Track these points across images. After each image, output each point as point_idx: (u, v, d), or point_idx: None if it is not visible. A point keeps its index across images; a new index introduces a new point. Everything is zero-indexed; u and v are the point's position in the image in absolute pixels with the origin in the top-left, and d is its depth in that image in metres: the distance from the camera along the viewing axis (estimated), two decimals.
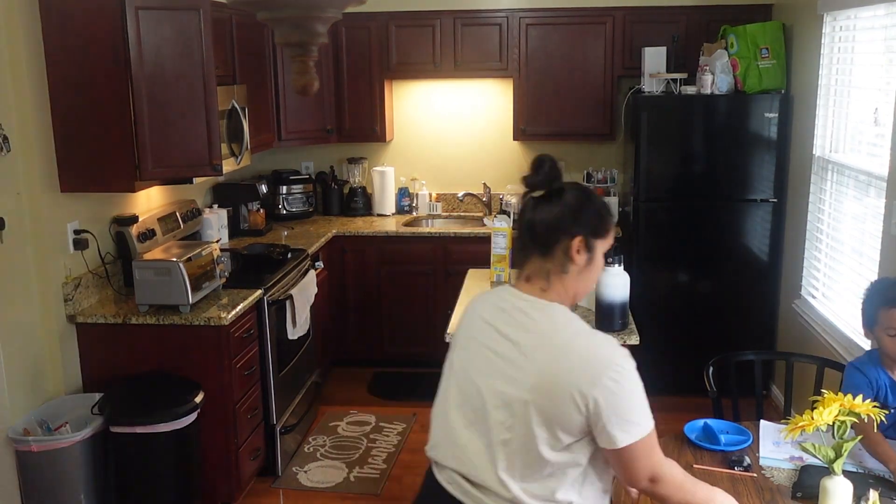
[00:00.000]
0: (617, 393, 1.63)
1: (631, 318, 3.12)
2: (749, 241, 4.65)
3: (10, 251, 3.10)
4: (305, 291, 4.19)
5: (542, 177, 1.77)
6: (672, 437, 2.54)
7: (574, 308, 1.80)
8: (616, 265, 2.99)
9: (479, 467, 1.72)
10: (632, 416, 1.65)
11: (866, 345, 3.39)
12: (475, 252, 4.73)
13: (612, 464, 1.71)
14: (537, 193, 1.77)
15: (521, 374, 1.67)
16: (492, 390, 1.71)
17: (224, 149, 3.92)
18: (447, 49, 5.11)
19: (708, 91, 4.52)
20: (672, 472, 1.75)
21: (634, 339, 3.02)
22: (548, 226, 1.74)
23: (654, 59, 4.74)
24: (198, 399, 3.25)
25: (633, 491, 1.87)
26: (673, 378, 4.50)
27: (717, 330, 4.68)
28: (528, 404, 1.65)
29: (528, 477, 1.68)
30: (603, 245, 1.79)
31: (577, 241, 1.72)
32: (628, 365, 1.67)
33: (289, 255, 4.23)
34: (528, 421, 1.65)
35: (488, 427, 1.71)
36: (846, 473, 2.03)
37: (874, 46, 3.60)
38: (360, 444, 4.29)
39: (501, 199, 5.46)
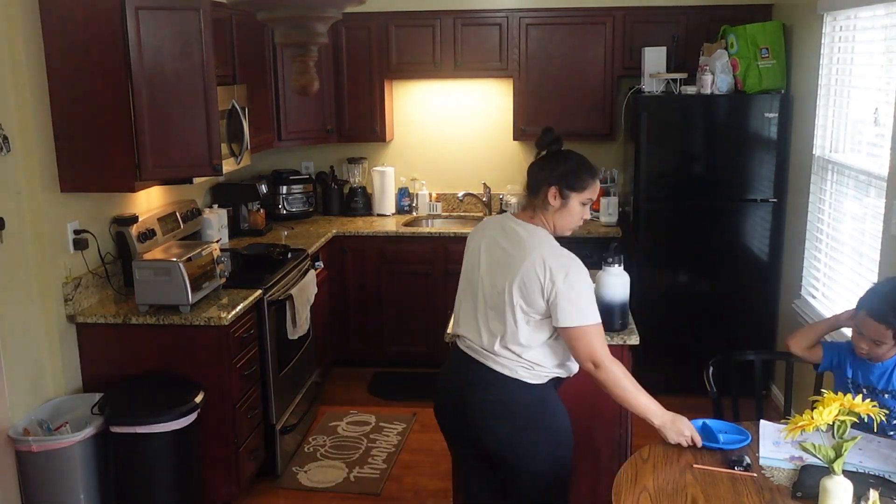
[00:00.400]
0: (570, 286, 2.36)
1: (631, 318, 3.11)
2: (749, 241, 4.65)
3: (10, 251, 3.10)
4: (305, 291, 4.19)
5: (543, 142, 2.52)
6: None
7: (557, 238, 2.52)
8: (616, 265, 2.98)
9: (483, 336, 2.49)
10: (578, 307, 2.37)
11: None
12: None
13: (565, 342, 2.44)
14: (542, 154, 2.53)
15: (510, 270, 2.42)
16: (491, 283, 2.48)
17: (224, 149, 3.91)
18: (447, 49, 5.11)
19: (708, 91, 4.52)
20: (612, 368, 2.41)
21: (634, 339, 3.01)
22: (535, 178, 2.51)
23: (654, 59, 4.74)
24: (198, 399, 3.25)
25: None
26: (673, 378, 4.50)
27: (717, 330, 4.68)
28: (513, 291, 2.40)
29: (510, 341, 2.43)
30: (579, 197, 2.48)
31: (552, 190, 2.46)
32: (581, 271, 2.40)
33: (289, 255, 4.23)
34: (511, 302, 2.41)
35: (487, 309, 2.48)
36: (846, 473, 2.03)
37: (874, 46, 3.60)
38: (360, 444, 4.29)
39: (501, 199, 5.47)
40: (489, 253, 2.52)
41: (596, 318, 2.41)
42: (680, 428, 2.42)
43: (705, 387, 2.95)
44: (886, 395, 2.58)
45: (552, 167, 2.48)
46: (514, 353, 2.45)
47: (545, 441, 2.51)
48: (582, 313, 2.38)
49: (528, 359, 2.45)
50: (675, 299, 4.75)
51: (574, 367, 2.55)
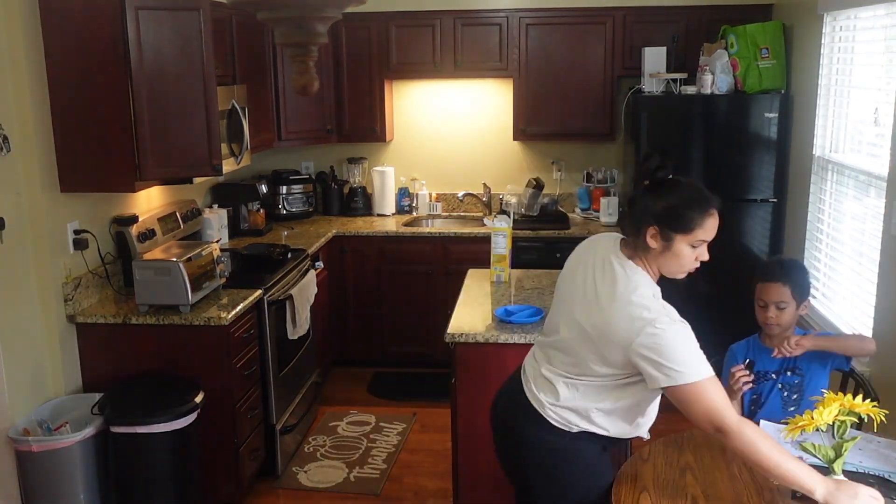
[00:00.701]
0: (655, 345, 1.98)
1: None
2: (749, 241, 4.65)
3: (10, 251, 3.10)
4: (305, 291, 4.19)
5: (644, 170, 2.12)
6: (672, 437, 2.53)
7: (658, 280, 2.18)
8: None
9: (538, 357, 2.30)
10: (672, 364, 1.97)
11: None
12: (475, 252, 4.73)
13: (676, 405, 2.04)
14: (645, 183, 2.12)
15: (590, 310, 2.12)
16: (570, 311, 2.20)
17: (224, 149, 3.92)
18: (447, 49, 5.11)
19: (708, 91, 4.52)
20: (743, 430, 1.97)
21: None
22: (633, 213, 2.13)
23: (654, 59, 4.75)
24: (198, 399, 3.25)
25: None
26: None
27: (717, 330, 4.66)
28: (587, 333, 2.11)
29: (553, 374, 2.22)
30: (686, 238, 2.08)
31: (651, 230, 2.07)
32: (668, 326, 2.01)
33: (289, 255, 4.23)
34: (579, 340, 2.14)
35: (560, 333, 2.22)
36: (846, 473, 2.03)
37: (874, 46, 3.60)
38: (360, 444, 4.29)
39: (501, 199, 5.46)
40: (584, 283, 2.19)
41: (700, 373, 1.98)
42: (856, 492, 1.93)
43: None
44: (789, 373, 2.71)
45: (651, 202, 2.07)
46: (550, 384, 2.22)
47: (555, 496, 2.27)
48: (681, 372, 1.97)
49: (564, 396, 2.20)
50: (675, 299, 4.72)
51: (615, 426, 2.22)
